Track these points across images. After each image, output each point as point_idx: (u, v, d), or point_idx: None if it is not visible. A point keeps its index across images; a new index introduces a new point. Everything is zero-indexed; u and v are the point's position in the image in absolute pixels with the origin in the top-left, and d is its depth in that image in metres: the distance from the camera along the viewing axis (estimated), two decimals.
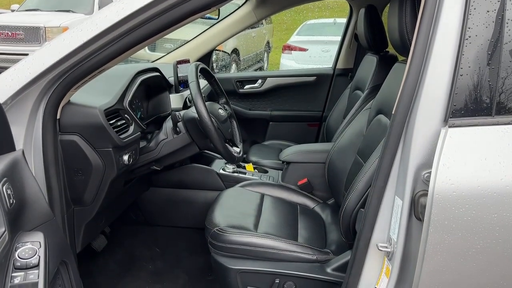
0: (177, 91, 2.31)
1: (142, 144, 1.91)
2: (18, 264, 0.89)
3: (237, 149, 2.02)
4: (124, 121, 1.66)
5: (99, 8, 7.50)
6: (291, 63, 7.51)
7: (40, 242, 0.96)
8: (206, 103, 1.81)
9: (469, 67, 1.00)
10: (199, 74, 1.89)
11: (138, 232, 2.35)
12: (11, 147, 1.03)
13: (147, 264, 2.14)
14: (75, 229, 1.57)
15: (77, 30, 1.17)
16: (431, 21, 1.01)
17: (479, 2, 0.99)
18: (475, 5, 0.99)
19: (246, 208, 1.79)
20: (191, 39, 2.98)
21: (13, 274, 0.87)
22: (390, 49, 2.30)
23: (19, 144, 1.21)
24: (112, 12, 1.15)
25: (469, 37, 0.99)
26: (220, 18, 2.96)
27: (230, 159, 1.88)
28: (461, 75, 1.00)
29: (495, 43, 1.00)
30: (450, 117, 1.00)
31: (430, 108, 1.02)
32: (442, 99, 1.01)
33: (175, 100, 2.24)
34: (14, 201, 0.93)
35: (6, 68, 1.25)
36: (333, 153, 1.93)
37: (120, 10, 1.14)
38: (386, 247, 1.11)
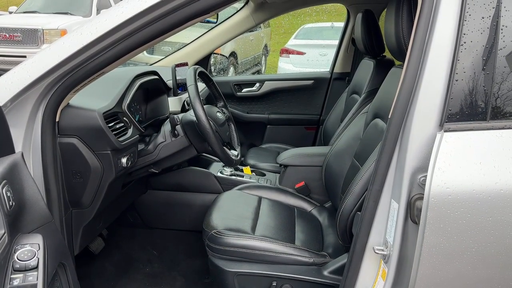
0: (175, 94, 2.32)
1: (140, 147, 1.92)
2: (17, 266, 0.90)
3: (235, 152, 2.03)
4: (122, 124, 1.67)
5: (97, 10, 7.51)
6: (288, 67, 7.53)
7: (39, 244, 0.96)
8: (205, 106, 1.82)
9: (465, 72, 1.01)
10: (197, 77, 1.90)
11: (136, 234, 2.36)
12: (11, 150, 1.04)
13: (144, 267, 2.14)
14: (73, 232, 1.57)
15: (77, 34, 1.18)
16: (427, 26, 1.03)
17: (474, 9, 1.00)
18: (470, 11, 1.00)
19: (244, 211, 1.80)
20: (189, 42, 2.99)
21: (12, 276, 0.87)
22: (387, 54, 2.32)
23: (18, 146, 1.21)
24: (112, 16, 1.16)
25: (464, 42, 1.01)
26: (218, 22, 2.98)
27: (228, 162, 1.89)
28: (456, 80, 1.01)
29: (489, 49, 1.01)
30: (446, 122, 1.02)
31: (426, 112, 1.03)
32: (437, 104, 1.03)
33: (173, 103, 2.25)
34: (14, 203, 0.94)
35: (4, 70, 1.25)
36: (330, 157, 1.94)
37: (119, 14, 1.15)
38: (383, 250, 1.12)
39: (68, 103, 1.40)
